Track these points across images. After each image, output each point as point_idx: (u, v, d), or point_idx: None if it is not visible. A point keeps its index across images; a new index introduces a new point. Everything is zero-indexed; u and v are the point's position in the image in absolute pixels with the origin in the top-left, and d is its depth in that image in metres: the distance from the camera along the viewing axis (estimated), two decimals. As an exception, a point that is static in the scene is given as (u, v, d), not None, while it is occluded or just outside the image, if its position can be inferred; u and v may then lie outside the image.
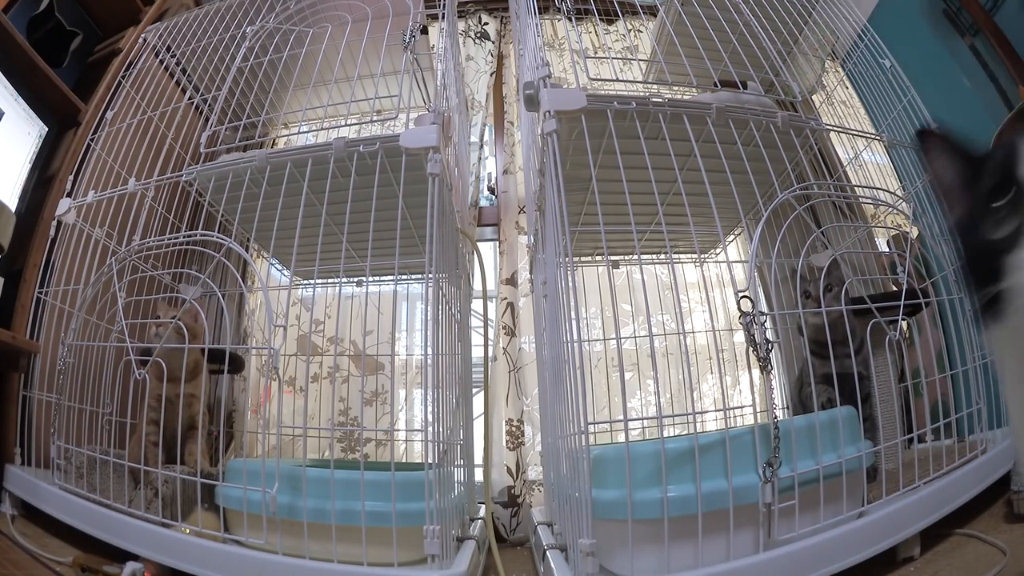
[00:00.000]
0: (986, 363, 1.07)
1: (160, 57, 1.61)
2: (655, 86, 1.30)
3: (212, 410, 1.62)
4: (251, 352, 1.84)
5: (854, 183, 1.48)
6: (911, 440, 1.05)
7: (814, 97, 1.57)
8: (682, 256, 1.64)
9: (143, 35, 1.61)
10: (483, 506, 1.31)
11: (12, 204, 1.34)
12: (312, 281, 1.59)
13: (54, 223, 1.35)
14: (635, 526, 0.77)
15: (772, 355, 0.82)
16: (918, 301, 1.11)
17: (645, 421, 1.57)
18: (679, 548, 0.77)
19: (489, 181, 2.13)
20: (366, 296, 1.47)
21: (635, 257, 1.53)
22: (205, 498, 1.04)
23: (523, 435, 1.74)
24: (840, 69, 1.57)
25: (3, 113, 1.33)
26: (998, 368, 0.53)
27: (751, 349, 0.82)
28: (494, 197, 2.10)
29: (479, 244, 1.72)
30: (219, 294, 1.24)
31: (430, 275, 0.96)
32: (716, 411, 1.58)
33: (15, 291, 1.34)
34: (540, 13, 1.16)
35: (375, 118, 1.20)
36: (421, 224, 0.97)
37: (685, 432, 1.21)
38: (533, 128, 1.22)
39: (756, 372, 0.89)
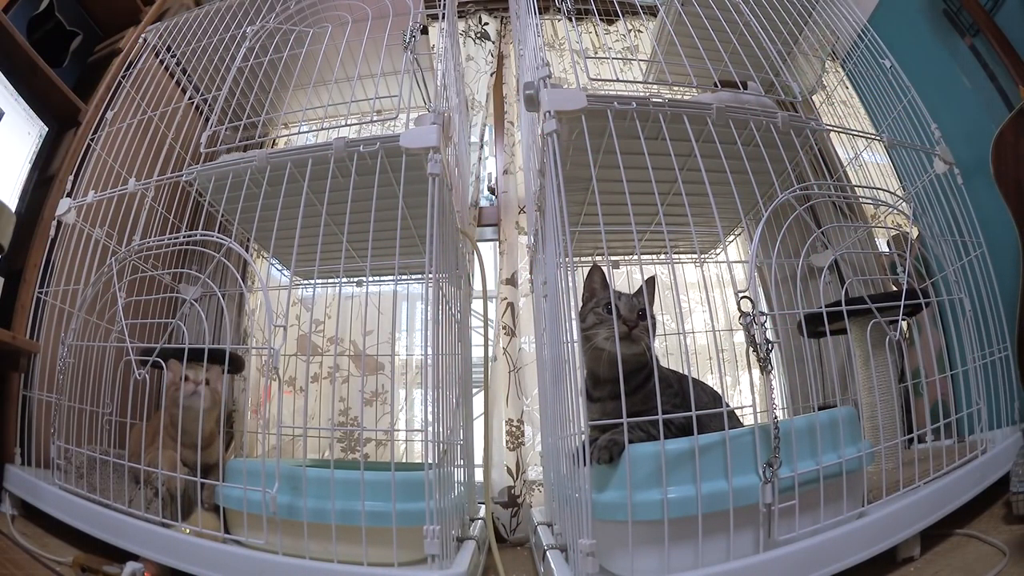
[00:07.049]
0: (986, 363, 1.07)
1: (160, 57, 1.61)
2: (655, 86, 1.30)
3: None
4: (251, 352, 1.84)
5: (854, 183, 1.48)
6: (911, 440, 1.05)
7: (814, 97, 1.58)
8: (682, 256, 1.63)
9: (143, 35, 1.61)
10: (483, 506, 1.31)
11: (12, 204, 1.34)
12: (312, 281, 1.59)
13: (54, 223, 1.35)
14: (635, 527, 0.77)
15: (772, 355, 0.82)
16: (918, 301, 1.11)
17: (645, 421, 1.57)
18: (679, 549, 0.77)
19: (489, 181, 2.13)
20: (366, 296, 1.46)
21: (635, 257, 1.53)
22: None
23: (523, 435, 1.74)
24: (840, 69, 1.57)
25: (3, 113, 1.33)
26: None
27: (751, 349, 0.82)
28: (494, 197, 2.10)
29: (479, 244, 1.71)
30: (219, 294, 1.24)
31: (430, 275, 0.96)
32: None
33: (15, 291, 1.34)
34: (540, 13, 1.16)
35: (375, 118, 1.20)
36: (421, 224, 0.96)
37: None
38: (533, 128, 1.22)
39: (756, 372, 0.88)
